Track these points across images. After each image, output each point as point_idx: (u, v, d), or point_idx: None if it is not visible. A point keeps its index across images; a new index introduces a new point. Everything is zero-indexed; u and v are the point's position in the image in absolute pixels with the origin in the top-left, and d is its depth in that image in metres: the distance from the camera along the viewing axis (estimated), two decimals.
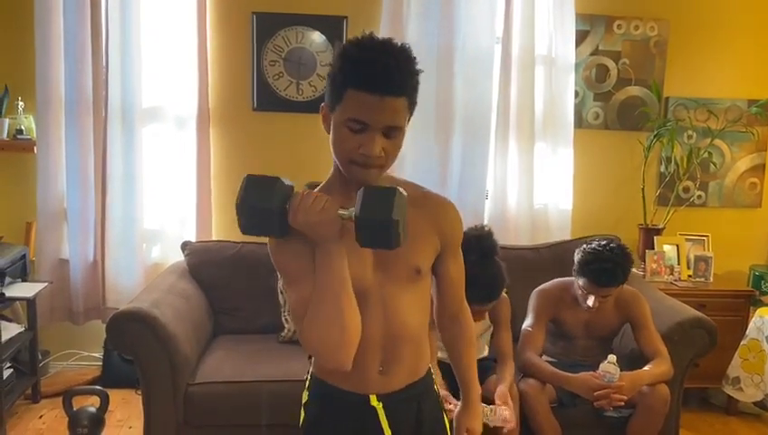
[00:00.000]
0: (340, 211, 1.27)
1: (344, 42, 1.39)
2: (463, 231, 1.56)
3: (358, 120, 1.28)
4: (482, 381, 2.41)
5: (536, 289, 2.84)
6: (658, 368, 2.58)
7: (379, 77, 1.26)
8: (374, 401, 1.46)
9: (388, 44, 1.30)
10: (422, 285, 1.47)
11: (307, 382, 1.55)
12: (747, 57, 3.85)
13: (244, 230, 1.34)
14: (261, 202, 1.31)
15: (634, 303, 2.75)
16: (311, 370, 1.55)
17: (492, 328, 2.74)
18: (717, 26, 3.81)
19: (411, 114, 1.35)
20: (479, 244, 2.42)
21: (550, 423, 2.58)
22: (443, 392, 2.22)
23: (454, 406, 1.80)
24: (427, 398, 1.54)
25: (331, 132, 1.35)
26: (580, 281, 2.67)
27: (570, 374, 2.63)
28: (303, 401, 1.54)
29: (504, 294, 2.58)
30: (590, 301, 2.64)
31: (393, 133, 1.31)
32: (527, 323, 2.78)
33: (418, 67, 1.33)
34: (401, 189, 1.25)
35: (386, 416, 1.46)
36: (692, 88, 3.84)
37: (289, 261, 1.37)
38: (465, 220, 1.58)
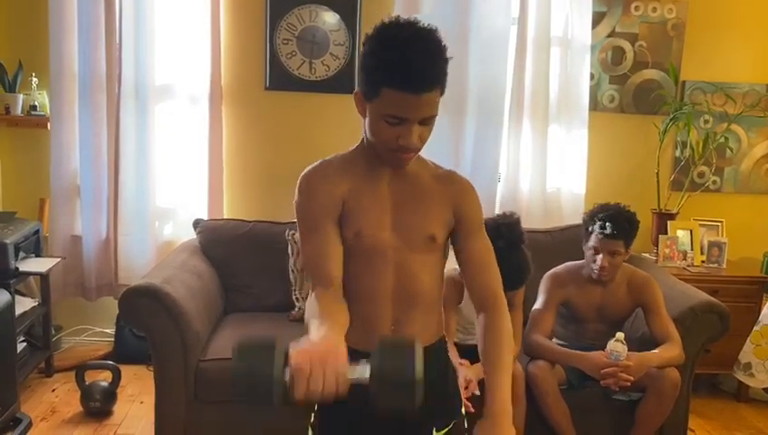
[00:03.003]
0: (354, 376, 1.12)
1: (373, 30, 1.36)
2: (482, 212, 1.54)
3: (396, 116, 1.33)
4: None
5: (547, 273, 2.83)
6: (668, 352, 2.57)
7: (414, 77, 1.29)
8: None
9: (419, 37, 1.31)
10: (435, 256, 1.50)
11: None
12: (766, 41, 3.79)
13: (240, 401, 1.12)
14: (258, 374, 1.09)
15: (646, 287, 2.73)
16: None
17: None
18: (736, 9, 3.75)
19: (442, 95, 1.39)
20: (508, 232, 2.39)
21: (558, 405, 2.58)
22: (455, 360, 2.26)
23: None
24: (438, 362, 1.52)
25: (366, 118, 1.40)
26: (589, 242, 2.69)
27: (577, 352, 2.63)
28: (311, 422, 1.54)
29: None
30: (599, 260, 2.64)
31: (428, 121, 1.36)
32: (537, 305, 2.77)
33: (448, 54, 1.35)
34: (418, 341, 1.13)
35: None
36: (709, 71, 3.79)
37: (314, 209, 1.43)
38: None
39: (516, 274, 2.42)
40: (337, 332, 1.24)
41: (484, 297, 1.49)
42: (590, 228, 2.72)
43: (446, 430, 1.52)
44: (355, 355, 1.18)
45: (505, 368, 1.42)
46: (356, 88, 1.41)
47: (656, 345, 2.62)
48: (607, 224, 2.64)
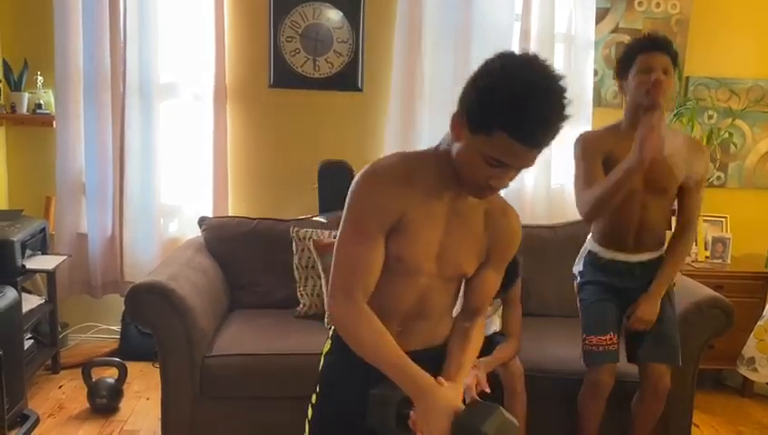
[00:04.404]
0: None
1: (500, 59, 1.27)
2: (514, 252, 1.55)
3: (500, 161, 1.28)
4: (489, 353, 2.45)
5: (579, 135, 2.48)
6: (684, 244, 2.47)
7: (537, 134, 1.24)
8: None
9: (553, 92, 1.24)
10: (459, 284, 1.55)
11: (330, 332, 1.61)
12: None
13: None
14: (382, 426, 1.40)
15: (701, 154, 2.43)
16: None
17: (501, 306, 2.73)
18: (740, 4, 3.74)
19: None
20: None
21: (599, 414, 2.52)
22: None
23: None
24: (440, 363, 1.55)
25: (461, 146, 1.32)
26: (632, 70, 2.32)
27: (620, 165, 2.24)
28: (325, 351, 1.61)
29: None
30: (653, 76, 2.24)
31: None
32: (577, 171, 2.42)
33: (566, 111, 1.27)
34: (499, 410, 1.32)
35: None
36: (713, 67, 3.78)
37: (371, 214, 1.37)
38: None
39: (508, 274, 2.40)
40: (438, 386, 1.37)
41: (477, 305, 1.58)
42: (630, 58, 2.34)
43: None
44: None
45: (471, 355, 1.55)
46: (458, 109, 1.32)
47: (668, 227, 2.52)
48: (650, 37, 2.35)
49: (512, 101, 1.22)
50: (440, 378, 1.42)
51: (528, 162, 1.29)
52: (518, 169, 1.32)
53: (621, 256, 2.48)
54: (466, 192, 1.40)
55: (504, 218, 1.50)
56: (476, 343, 1.56)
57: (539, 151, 1.28)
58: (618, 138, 2.37)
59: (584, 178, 2.38)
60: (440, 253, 1.44)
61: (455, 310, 1.61)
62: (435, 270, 1.45)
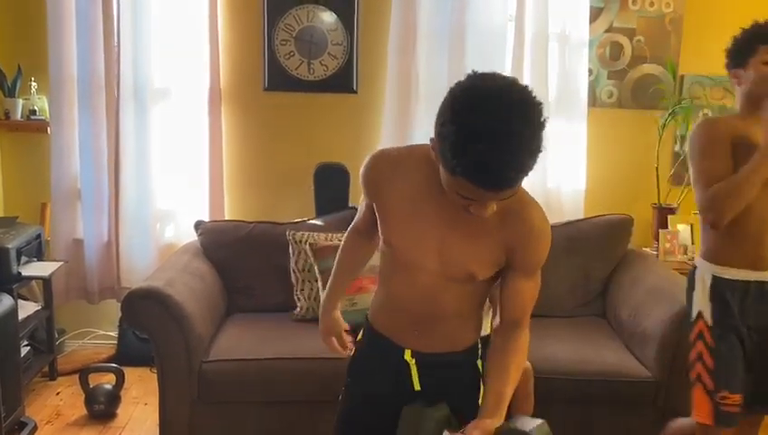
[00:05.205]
0: None
1: (459, 89, 1.19)
2: (544, 256, 1.45)
3: (469, 199, 1.24)
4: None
5: (700, 122, 2.16)
6: None
7: (493, 180, 1.16)
8: (408, 356, 1.53)
9: (502, 135, 1.12)
10: (475, 287, 1.48)
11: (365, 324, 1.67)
12: None
13: None
14: None
15: None
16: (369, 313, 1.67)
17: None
18: (733, 2, 3.74)
19: None
20: None
21: None
22: None
23: None
24: (466, 368, 1.56)
25: (440, 170, 1.27)
26: (754, 57, 2.11)
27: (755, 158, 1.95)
28: (357, 339, 1.71)
29: None
30: None
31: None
32: (700, 164, 2.06)
33: (542, 141, 1.18)
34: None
35: (418, 373, 1.53)
36: (708, 65, 3.77)
37: (363, 185, 1.53)
38: None
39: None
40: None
41: (514, 318, 1.48)
42: (751, 46, 2.16)
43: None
44: (386, 345, 1.55)
45: (512, 380, 1.43)
46: (432, 136, 1.25)
47: None
48: None
49: (460, 149, 1.15)
50: (482, 420, 1.35)
51: (500, 198, 1.23)
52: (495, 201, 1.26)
53: (755, 276, 2.05)
54: None
55: (520, 219, 1.39)
56: (516, 367, 1.45)
57: (509, 189, 1.20)
58: (745, 122, 2.07)
59: (710, 171, 2.02)
60: (441, 251, 1.42)
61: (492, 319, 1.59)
62: (437, 268, 1.43)
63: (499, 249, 1.41)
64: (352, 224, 1.74)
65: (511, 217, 1.37)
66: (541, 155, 1.19)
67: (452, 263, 1.42)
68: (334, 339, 1.83)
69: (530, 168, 1.18)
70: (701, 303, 2.11)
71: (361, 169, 1.50)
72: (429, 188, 1.36)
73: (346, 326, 1.86)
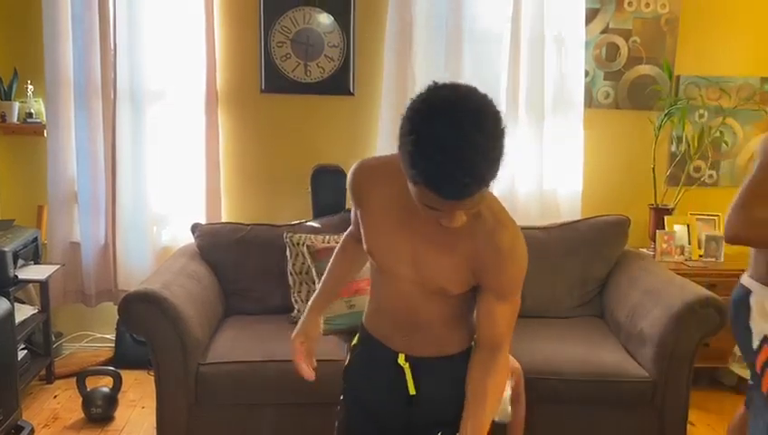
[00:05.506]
0: None
1: (417, 99, 1.20)
2: (516, 281, 1.41)
3: (434, 208, 1.23)
4: None
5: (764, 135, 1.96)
6: None
7: (453, 190, 1.16)
8: (402, 360, 1.54)
9: (458, 146, 1.12)
10: (454, 299, 1.46)
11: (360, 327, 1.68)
12: (760, 34, 3.79)
13: None
14: None
15: None
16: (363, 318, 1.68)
17: None
18: (729, 3, 3.75)
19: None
20: None
21: None
22: None
23: None
24: (460, 372, 1.53)
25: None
26: None
27: None
28: (353, 344, 1.70)
29: None
30: None
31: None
32: (756, 174, 1.87)
33: (504, 143, 1.18)
34: None
35: (412, 376, 1.54)
36: (703, 66, 3.79)
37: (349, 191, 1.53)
38: None
39: None
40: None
41: (490, 341, 1.46)
42: None
43: None
44: (380, 350, 1.55)
45: (491, 404, 1.45)
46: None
47: None
48: None
49: (418, 160, 1.16)
50: None
51: (464, 208, 1.23)
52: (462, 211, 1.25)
53: None
54: None
55: (491, 240, 1.36)
56: (494, 390, 1.46)
57: (470, 199, 1.19)
58: None
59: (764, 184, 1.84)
60: (415, 262, 1.43)
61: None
62: (414, 277, 1.44)
63: (467, 268, 1.39)
64: (349, 228, 1.75)
65: (482, 237, 1.36)
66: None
67: (425, 275, 1.43)
68: (304, 365, 1.68)
69: (490, 176, 1.18)
70: (765, 326, 1.95)
71: (350, 179, 1.52)
72: (407, 199, 1.30)
73: (320, 332, 1.78)
